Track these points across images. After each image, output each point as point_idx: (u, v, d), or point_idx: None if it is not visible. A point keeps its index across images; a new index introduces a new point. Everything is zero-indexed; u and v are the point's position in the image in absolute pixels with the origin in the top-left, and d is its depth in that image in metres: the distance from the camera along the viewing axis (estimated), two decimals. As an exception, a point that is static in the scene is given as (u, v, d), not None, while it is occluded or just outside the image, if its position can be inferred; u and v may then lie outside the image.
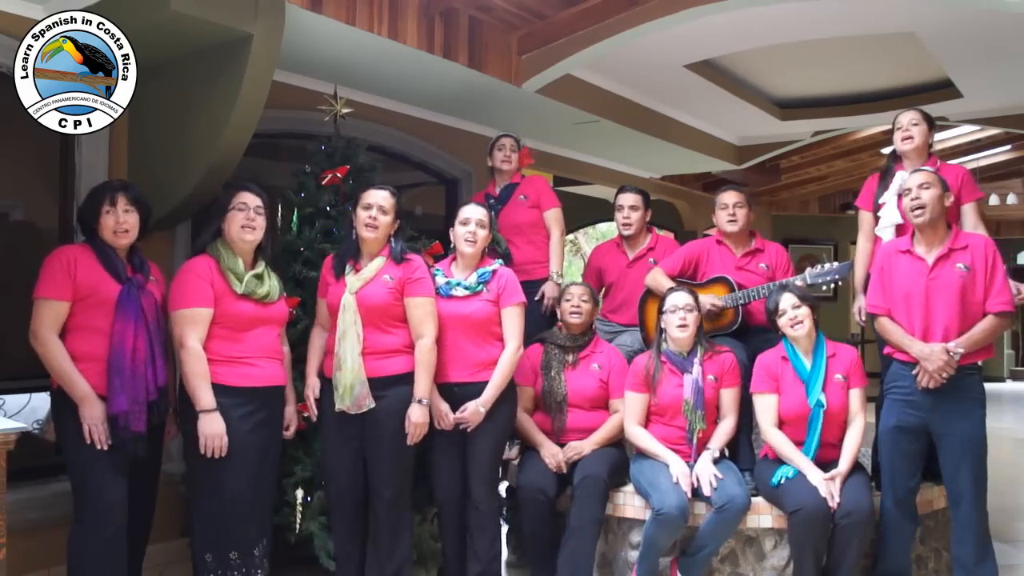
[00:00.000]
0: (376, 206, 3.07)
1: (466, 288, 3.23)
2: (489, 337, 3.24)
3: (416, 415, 3.01)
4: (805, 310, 3.22)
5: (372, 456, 3.04)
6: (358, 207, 3.11)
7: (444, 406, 3.17)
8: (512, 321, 3.24)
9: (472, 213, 3.28)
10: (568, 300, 3.55)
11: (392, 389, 3.02)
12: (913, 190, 3.05)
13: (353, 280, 3.06)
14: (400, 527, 3.08)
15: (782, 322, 3.25)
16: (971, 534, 3.05)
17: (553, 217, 4.23)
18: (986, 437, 3.08)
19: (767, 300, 3.37)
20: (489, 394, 3.15)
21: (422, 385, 3.03)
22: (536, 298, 4.07)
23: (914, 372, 3.03)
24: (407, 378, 3.04)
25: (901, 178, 3.44)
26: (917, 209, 3.03)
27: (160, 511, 3.15)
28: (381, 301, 3.03)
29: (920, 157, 3.48)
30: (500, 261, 3.39)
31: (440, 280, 3.26)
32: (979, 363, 3.08)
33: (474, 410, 3.13)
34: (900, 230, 3.40)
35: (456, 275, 3.29)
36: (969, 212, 3.42)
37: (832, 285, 3.58)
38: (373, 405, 2.99)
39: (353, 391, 2.98)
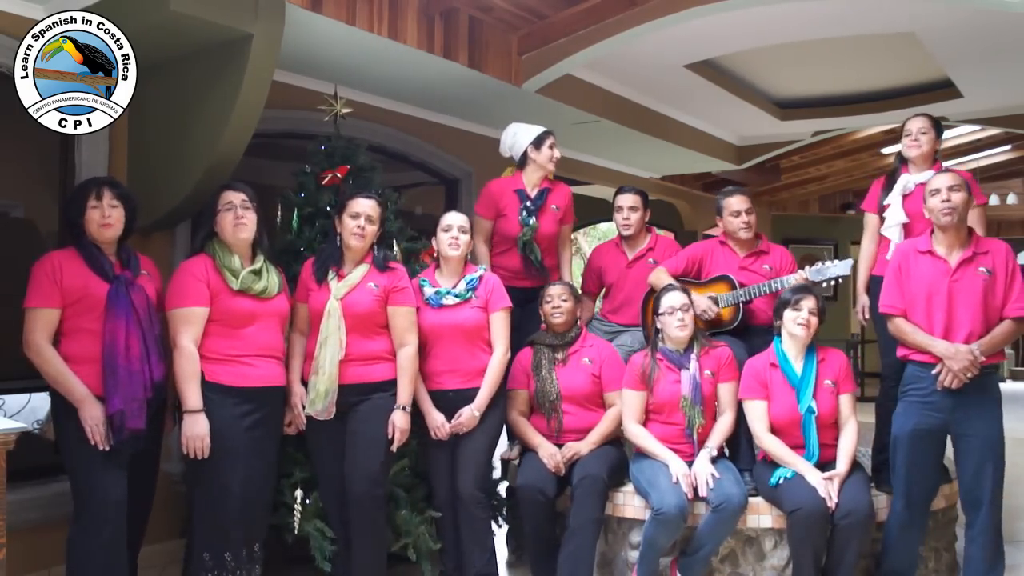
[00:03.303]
0: (364, 215, 3.10)
1: (456, 296, 3.30)
2: (480, 343, 3.32)
3: (400, 421, 3.08)
4: (816, 320, 3.23)
5: (349, 456, 3.06)
6: (344, 215, 3.13)
7: (439, 417, 3.23)
8: (499, 326, 3.34)
9: (454, 220, 3.36)
10: (548, 301, 3.55)
11: (375, 394, 3.08)
12: (943, 191, 3.03)
13: (338, 286, 3.08)
14: (377, 531, 3.08)
15: (792, 315, 3.22)
16: (988, 536, 3.04)
17: (569, 232, 4.23)
18: (1004, 437, 3.08)
19: (785, 291, 3.36)
20: (482, 398, 3.25)
21: (405, 392, 3.11)
22: None
23: (935, 372, 3.01)
24: (390, 384, 3.11)
25: (905, 180, 3.47)
26: (947, 211, 3.02)
27: (160, 511, 3.15)
28: (367, 308, 3.08)
29: (926, 162, 3.50)
30: (483, 267, 3.44)
31: (428, 291, 3.31)
32: (996, 364, 3.09)
33: (469, 415, 3.22)
34: (906, 229, 3.40)
35: (442, 283, 3.34)
36: (972, 217, 3.41)
37: (833, 283, 3.57)
38: (333, 413, 3.04)
39: (326, 397, 3.02)
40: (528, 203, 3.93)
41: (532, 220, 3.91)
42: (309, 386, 3.06)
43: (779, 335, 3.31)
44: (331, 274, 3.12)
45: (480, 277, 3.37)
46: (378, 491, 3.06)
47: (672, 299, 3.37)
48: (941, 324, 3.03)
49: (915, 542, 3.22)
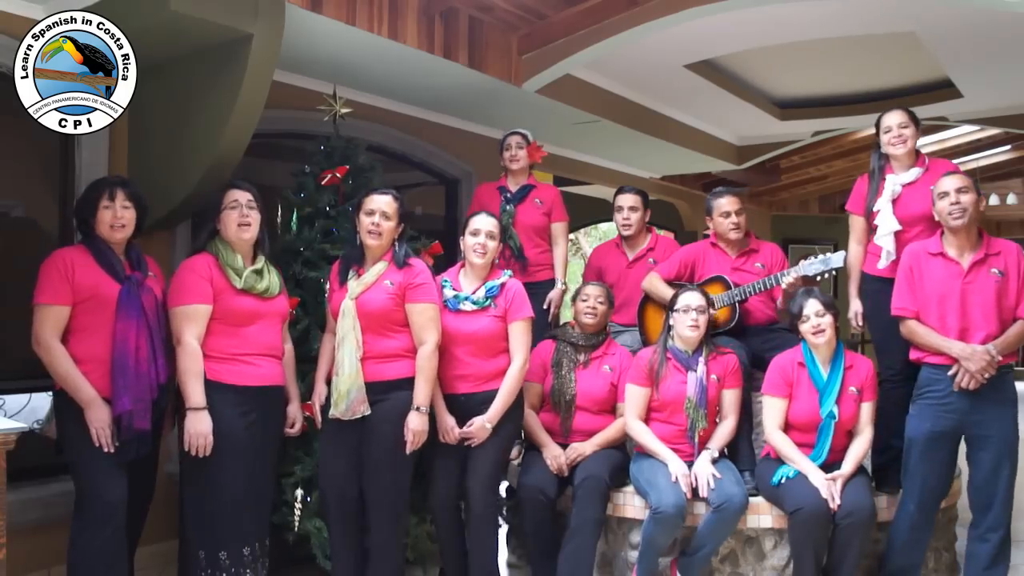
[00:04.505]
0: (379, 212, 3.05)
1: (474, 303, 3.20)
2: (495, 351, 3.22)
3: (415, 423, 2.98)
4: (828, 319, 3.20)
5: (368, 462, 3.02)
6: (360, 212, 3.08)
7: (450, 420, 3.15)
8: (519, 336, 3.21)
9: (483, 224, 3.25)
10: (584, 300, 3.54)
11: (392, 393, 3.00)
12: (952, 194, 3.03)
13: (354, 285, 3.04)
14: (394, 534, 3.06)
15: (804, 328, 3.23)
16: (999, 534, 3.04)
17: (561, 230, 4.25)
18: (1019, 437, 3.08)
19: (790, 303, 3.33)
20: (496, 410, 3.14)
21: (421, 393, 3.00)
22: (544, 306, 4.09)
23: (951, 373, 3.00)
24: (407, 383, 3.02)
25: (891, 184, 3.39)
26: (957, 213, 3.01)
27: (160, 511, 3.15)
28: (380, 306, 3.01)
29: (909, 159, 3.42)
30: (509, 273, 3.35)
31: (448, 293, 3.23)
32: (1012, 364, 3.08)
33: (480, 427, 3.12)
34: (898, 236, 3.35)
35: (464, 287, 3.26)
36: None
37: (827, 276, 3.53)
38: (368, 412, 2.97)
39: (348, 396, 2.97)
40: (508, 195, 4.16)
41: (510, 207, 4.08)
42: (332, 387, 3.02)
43: (804, 339, 3.29)
44: (351, 273, 3.09)
45: (502, 285, 3.25)
46: (400, 497, 3.05)
47: (689, 298, 3.34)
48: (955, 326, 3.02)
49: (924, 543, 3.21)
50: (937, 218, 3.11)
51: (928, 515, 3.17)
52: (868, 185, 3.52)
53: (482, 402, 3.16)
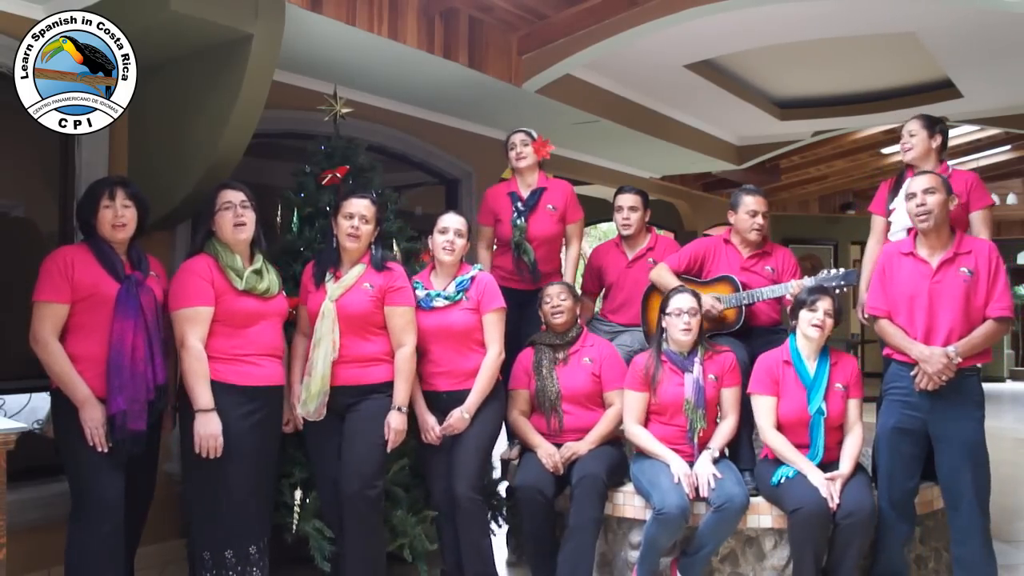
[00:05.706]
0: (358, 215, 3.10)
1: (446, 298, 3.27)
2: (473, 344, 3.29)
3: (396, 422, 3.06)
4: (831, 322, 3.21)
5: (344, 456, 3.05)
6: (339, 216, 3.13)
7: (431, 419, 3.22)
8: (492, 327, 3.29)
9: (451, 222, 3.31)
10: (547, 302, 3.55)
11: (372, 396, 3.07)
12: (918, 195, 3.03)
13: (333, 287, 3.08)
14: (369, 528, 3.07)
15: (807, 316, 3.20)
16: (973, 536, 3.03)
17: (576, 230, 4.18)
18: (985, 439, 3.06)
19: (801, 291, 3.32)
20: (473, 400, 3.22)
21: (401, 393, 3.09)
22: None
23: (912, 373, 3.03)
24: (386, 386, 3.09)
25: (907, 185, 3.42)
26: (922, 214, 3.02)
27: (160, 511, 3.15)
28: (362, 309, 3.06)
29: (927, 163, 3.45)
30: (479, 267, 3.43)
31: (420, 293, 3.29)
32: (979, 365, 3.07)
33: (458, 418, 3.20)
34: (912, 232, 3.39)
35: (435, 285, 3.33)
36: (977, 220, 3.40)
37: (837, 291, 3.53)
38: (324, 413, 3.04)
39: (317, 399, 3.02)
40: (519, 204, 4.02)
41: (520, 221, 3.97)
42: (303, 387, 3.07)
43: (794, 333, 3.30)
44: (328, 276, 3.12)
45: (472, 278, 3.32)
46: (371, 491, 3.04)
47: (681, 301, 3.35)
48: (922, 326, 3.03)
49: (899, 540, 3.21)
50: (908, 218, 3.11)
51: (900, 511, 3.17)
52: (891, 188, 3.57)
53: (463, 401, 3.22)
